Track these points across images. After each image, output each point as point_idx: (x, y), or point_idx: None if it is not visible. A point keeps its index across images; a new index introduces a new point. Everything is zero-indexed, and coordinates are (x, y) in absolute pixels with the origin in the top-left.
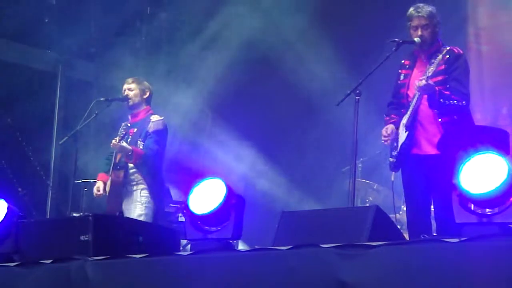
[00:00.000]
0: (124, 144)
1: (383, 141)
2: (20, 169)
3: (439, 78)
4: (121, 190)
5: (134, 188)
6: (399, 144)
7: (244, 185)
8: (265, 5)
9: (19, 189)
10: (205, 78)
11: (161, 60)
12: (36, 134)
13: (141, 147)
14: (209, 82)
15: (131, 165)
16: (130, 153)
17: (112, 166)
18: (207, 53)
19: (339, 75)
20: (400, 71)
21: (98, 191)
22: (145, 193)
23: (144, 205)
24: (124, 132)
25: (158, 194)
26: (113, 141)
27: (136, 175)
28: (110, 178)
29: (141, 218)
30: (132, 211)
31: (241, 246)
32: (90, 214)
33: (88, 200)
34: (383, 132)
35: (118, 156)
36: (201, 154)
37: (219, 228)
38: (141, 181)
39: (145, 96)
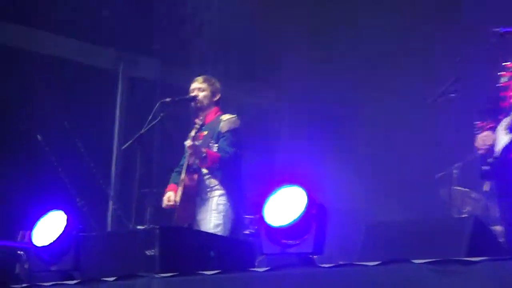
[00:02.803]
0: (198, 143)
1: (479, 150)
2: (78, 177)
3: None
4: (194, 197)
5: (209, 195)
6: (498, 149)
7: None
8: None
9: (77, 200)
10: (282, 77)
11: (233, 56)
12: (96, 139)
13: (215, 150)
14: (287, 81)
15: (204, 170)
16: (204, 156)
17: (185, 169)
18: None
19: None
20: (500, 73)
21: (169, 200)
22: (222, 200)
23: (222, 213)
24: (194, 133)
25: (237, 201)
26: (187, 142)
27: (211, 180)
28: (182, 183)
29: (218, 229)
30: (208, 221)
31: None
32: (157, 227)
33: (154, 212)
34: (481, 139)
35: (192, 158)
36: (278, 160)
37: (298, 242)
38: (217, 186)
39: (215, 99)
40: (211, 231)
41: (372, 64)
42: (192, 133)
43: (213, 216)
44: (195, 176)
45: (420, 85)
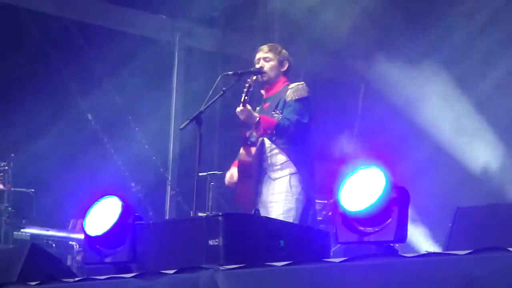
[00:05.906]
0: (250, 108)
1: None
2: (133, 160)
3: None
4: (253, 175)
5: (279, 174)
6: None
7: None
8: None
9: (132, 185)
10: None
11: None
12: (151, 117)
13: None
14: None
15: (269, 143)
16: (257, 121)
17: (241, 141)
18: None
19: None
20: None
21: (232, 178)
22: (295, 180)
23: (295, 196)
24: (246, 91)
25: (308, 181)
26: (238, 108)
27: (278, 156)
28: (238, 160)
29: (291, 213)
30: (279, 204)
31: None
32: (220, 214)
33: (216, 197)
34: None
35: (249, 130)
36: (352, 138)
37: (378, 229)
38: (287, 163)
39: (283, 69)
40: (283, 215)
41: None
42: (242, 97)
43: (286, 198)
44: (252, 149)
45: None
